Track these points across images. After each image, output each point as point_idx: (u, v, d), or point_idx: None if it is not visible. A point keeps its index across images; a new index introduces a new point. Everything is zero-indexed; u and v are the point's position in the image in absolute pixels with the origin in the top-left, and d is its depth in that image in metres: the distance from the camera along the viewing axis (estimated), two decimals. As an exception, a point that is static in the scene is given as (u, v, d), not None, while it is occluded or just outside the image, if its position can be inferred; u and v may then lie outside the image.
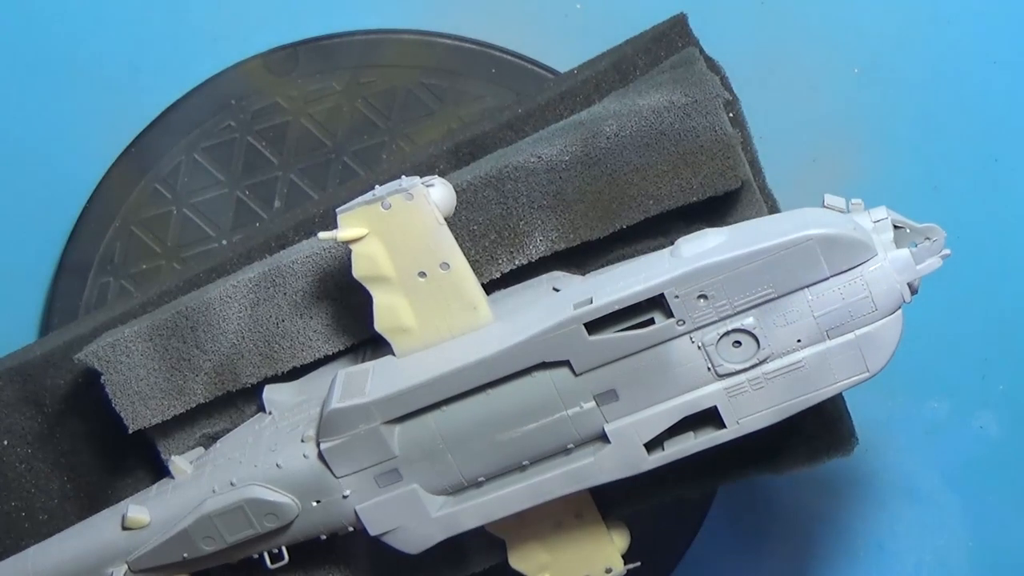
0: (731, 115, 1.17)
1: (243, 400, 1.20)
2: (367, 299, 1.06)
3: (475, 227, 1.13)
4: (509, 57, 1.44)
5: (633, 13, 1.32)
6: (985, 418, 1.58)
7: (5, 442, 1.30)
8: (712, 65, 1.21)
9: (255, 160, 1.45)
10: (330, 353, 1.16)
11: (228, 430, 1.20)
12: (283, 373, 1.16)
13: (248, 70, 1.44)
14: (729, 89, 1.21)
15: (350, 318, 1.14)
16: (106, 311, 1.34)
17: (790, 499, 1.62)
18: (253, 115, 1.45)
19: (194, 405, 1.17)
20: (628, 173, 1.12)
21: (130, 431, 1.18)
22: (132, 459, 1.29)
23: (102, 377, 1.17)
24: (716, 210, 1.16)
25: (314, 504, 1.08)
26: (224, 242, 1.45)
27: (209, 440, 1.21)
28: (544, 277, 1.14)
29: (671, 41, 1.25)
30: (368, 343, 1.14)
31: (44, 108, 1.50)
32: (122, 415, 1.17)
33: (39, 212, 1.52)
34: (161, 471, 1.19)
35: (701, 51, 1.23)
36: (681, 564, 1.51)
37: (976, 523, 1.62)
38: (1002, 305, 1.53)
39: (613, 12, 1.44)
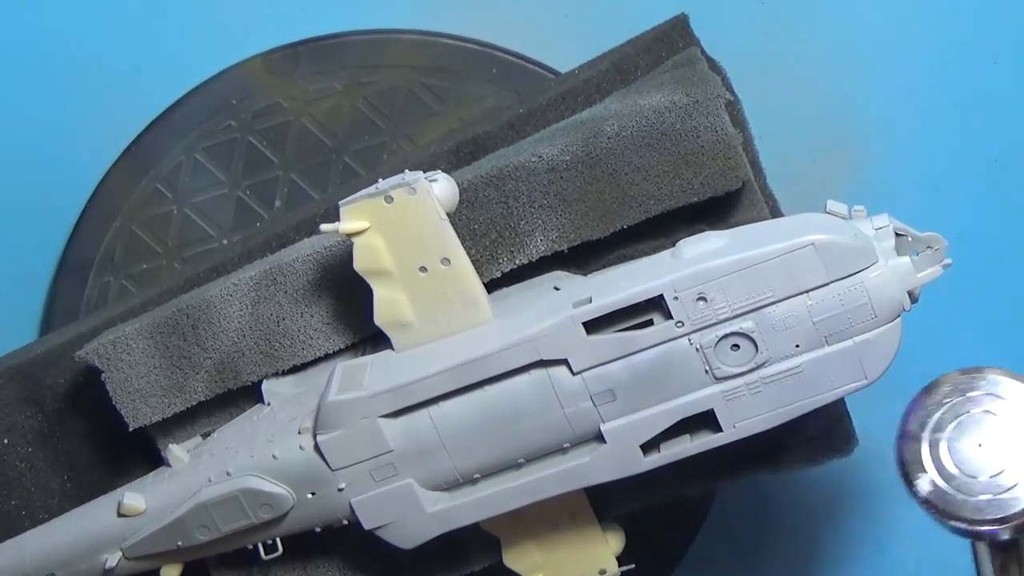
0: (732, 115, 1.17)
1: (244, 398, 1.20)
2: (368, 297, 1.06)
3: (476, 226, 1.13)
4: (510, 57, 1.44)
5: (634, 14, 1.32)
6: (985, 418, 1.58)
7: (6, 441, 1.30)
8: (713, 65, 1.22)
9: (256, 160, 1.45)
10: (331, 351, 1.16)
11: (228, 429, 1.20)
12: (284, 371, 1.17)
13: (248, 70, 1.45)
14: (730, 89, 1.21)
15: (351, 316, 1.14)
16: (107, 310, 1.34)
17: (790, 499, 1.61)
18: (254, 115, 1.45)
19: (195, 403, 1.18)
20: (629, 173, 1.12)
21: (131, 429, 1.18)
22: (132, 458, 1.29)
23: (103, 375, 1.17)
24: (717, 210, 1.16)
25: (309, 496, 1.09)
26: (225, 242, 1.45)
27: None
28: (546, 276, 1.14)
29: (672, 41, 1.25)
30: (368, 341, 1.14)
31: (44, 108, 1.50)
32: (123, 413, 1.18)
33: (39, 212, 1.52)
34: (161, 472, 1.20)
35: (702, 51, 1.23)
36: (681, 564, 1.51)
37: (975, 523, 1.61)
38: (1002, 306, 1.53)
39: (614, 13, 1.44)
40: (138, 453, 1.27)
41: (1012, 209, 1.49)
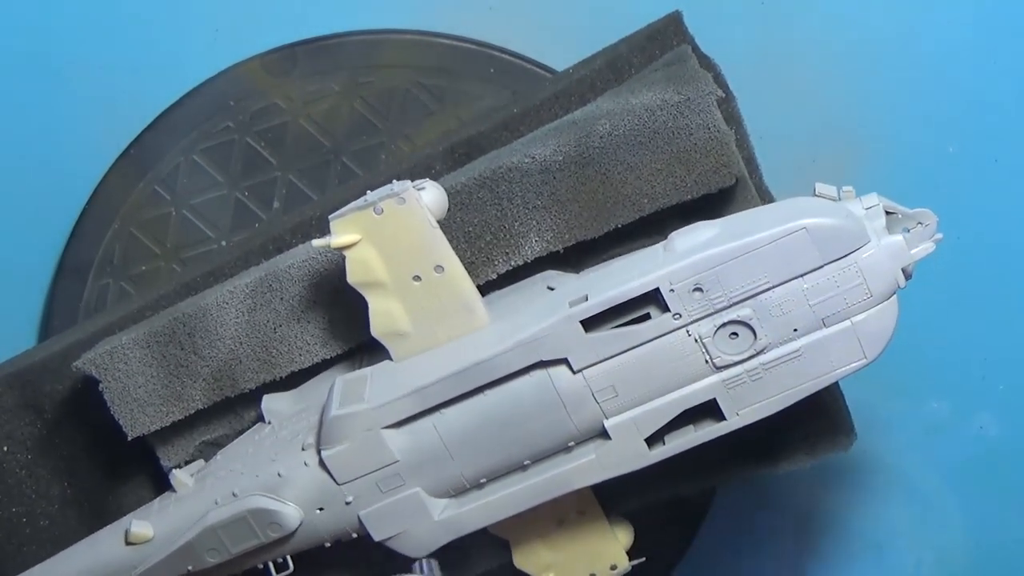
0: (725, 112, 1.16)
1: (242, 406, 1.20)
2: (364, 302, 1.06)
3: (470, 229, 1.13)
4: (507, 57, 1.44)
5: (632, 12, 1.31)
6: (985, 418, 1.58)
7: (5, 448, 1.29)
8: (705, 62, 1.21)
9: (254, 161, 1.45)
10: (328, 357, 1.16)
11: (227, 436, 1.20)
12: (281, 378, 1.16)
13: (247, 71, 1.45)
14: (723, 86, 1.20)
15: (347, 322, 1.14)
16: (105, 315, 1.34)
17: (790, 499, 1.62)
18: (252, 116, 1.45)
19: (193, 411, 1.17)
20: (622, 172, 1.11)
21: (129, 438, 1.18)
22: (132, 465, 1.29)
23: (100, 385, 1.17)
24: (711, 208, 1.15)
25: (317, 512, 1.08)
26: (223, 243, 1.45)
27: (208, 446, 1.21)
28: (537, 277, 1.13)
29: (666, 39, 1.24)
30: (365, 347, 1.14)
31: (44, 108, 1.50)
32: (121, 422, 1.17)
33: (39, 213, 1.52)
34: (161, 477, 1.19)
35: (695, 48, 1.23)
36: (681, 564, 1.52)
37: (976, 523, 1.62)
38: (1002, 305, 1.52)
39: (611, 11, 1.43)
40: (137, 460, 1.27)
41: (1012, 209, 1.49)
